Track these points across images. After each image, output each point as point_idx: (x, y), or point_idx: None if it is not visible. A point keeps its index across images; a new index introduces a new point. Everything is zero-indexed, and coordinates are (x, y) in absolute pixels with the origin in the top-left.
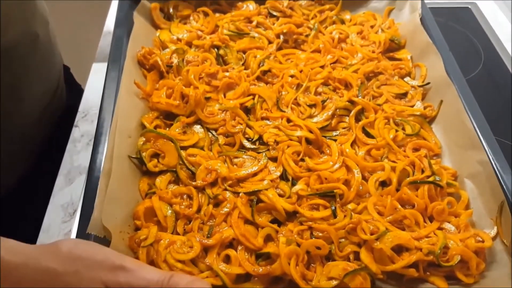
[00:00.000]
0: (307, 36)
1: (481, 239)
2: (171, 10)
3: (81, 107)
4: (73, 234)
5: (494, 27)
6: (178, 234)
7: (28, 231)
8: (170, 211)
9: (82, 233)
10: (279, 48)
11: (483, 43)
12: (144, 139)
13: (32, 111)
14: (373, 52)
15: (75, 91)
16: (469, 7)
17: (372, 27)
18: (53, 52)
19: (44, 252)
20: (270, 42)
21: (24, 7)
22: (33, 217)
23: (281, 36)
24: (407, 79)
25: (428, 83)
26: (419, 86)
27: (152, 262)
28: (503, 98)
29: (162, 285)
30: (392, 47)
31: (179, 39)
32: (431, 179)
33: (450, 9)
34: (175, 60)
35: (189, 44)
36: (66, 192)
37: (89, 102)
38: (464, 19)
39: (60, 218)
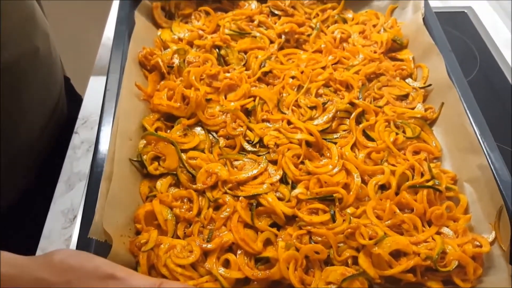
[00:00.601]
0: (308, 35)
1: (479, 244)
2: (172, 9)
3: (81, 114)
4: (74, 240)
5: (490, 31)
6: (178, 237)
7: (29, 237)
8: (170, 215)
9: (84, 238)
10: (281, 48)
11: (479, 47)
12: (145, 141)
13: (33, 124)
14: (375, 52)
15: (76, 102)
16: (465, 11)
17: (374, 26)
18: (54, 65)
19: (38, 263)
20: (271, 42)
21: (24, 22)
22: (34, 223)
23: (283, 36)
24: (408, 80)
25: (430, 85)
26: (421, 88)
27: (152, 267)
28: (499, 102)
29: None
30: (394, 47)
31: (180, 39)
32: (430, 183)
33: (446, 14)
34: (176, 61)
35: (191, 43)
36: (66, 198)
37: (88, 108)
38: (460, 23)
39: (60, 224)
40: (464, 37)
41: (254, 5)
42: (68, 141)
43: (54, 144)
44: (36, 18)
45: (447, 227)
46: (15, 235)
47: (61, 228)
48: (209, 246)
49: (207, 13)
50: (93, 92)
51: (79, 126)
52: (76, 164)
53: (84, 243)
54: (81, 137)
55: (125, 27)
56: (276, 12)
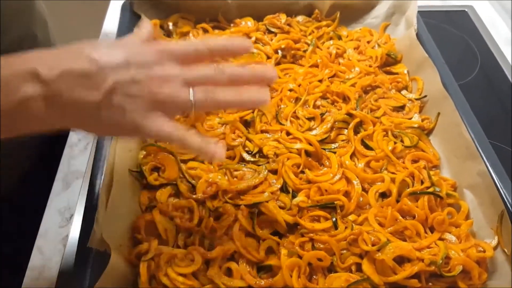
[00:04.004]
0: (304, 51)
1: (482, 249)
2: (170, 27)
3: None
4: (71, 239)
5: (491, 30)
6: (179, 247)
7: (25, 236)
8: (170, 225)
9: (83, 245)
10: (278, 63)
11: (479, 46)
12: (144, 152)
13: None
14: (370, 66)
15: None
16: (466, 10)
17: (368, 42)
18: None
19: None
20: (268, 58)
21: (23, 9)
22: (30, 222)
23: (279, 52)
24: (404, 92)
25: (425, 96)
26: (416, 99)
27: (153, 276)
28: (500, 102)
29: None
30: (389, 62)
31: None
32: (430, 190)
33: (446, 12)
34: None
35: None
36: (63, 196)
37: None
38: (460, 22)
39: (57, 223)
40: (465, 36)
41: (250, 23)
42: (66, 134)
43: (51, 134)
44: (34, 6)
45: (450, 233)
46: (10, 234)
47: (57, 227)
48: (211, 254)
49: (205, 31)
50: None
51: None
52: (73, 162)
53: (83, 251)
54: (78, 134)
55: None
56: (272, 29)
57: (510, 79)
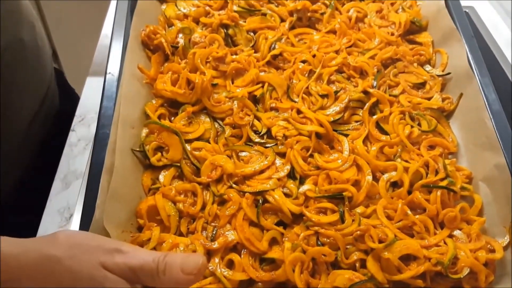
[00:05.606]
0: (322, 14)
1: (492, 248)
2: None
3: (78, 112)
4: None
5: (492, 31)
6: (181, 233)
7: (24, 236)
8: (173, 211)
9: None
10: (292, 27)
11: (480, 47)
12: (147, 130)
13: (22, 114)
14: (392, 34)
15: (69, 95)
16: (467, 11)
17: (392, 4)
18: (42, 55)
19: (43, 242)
20: (282, 20)
21: (10, 14)
22: (30, 221)
23: (294, 14)
24: (426, 67)
25: (449, 73)
26: (439, 76)
27: None
28: (501, 102)
29: (157, 263)
30: (413, 29)
31: (185, 15)
32: (444, 182)
33: None
34: (181, 41)
35: (196, 20)
36: (63, 196)
37: (86, 106)
38: None
39: (56, 223)
40: None
41: None
42: (63, 136)
43: (47, 137)
44: (21, 10)
45: (460, 230)
46: (10, 234)
47: (57, 227)
48: (214, 246)
49: None
50: (90, 89)
51: (76, 123)
52: (72, 162)
53: None
54: (78, 134)
55: (127, 3)
56: None
57: (511, 80)
